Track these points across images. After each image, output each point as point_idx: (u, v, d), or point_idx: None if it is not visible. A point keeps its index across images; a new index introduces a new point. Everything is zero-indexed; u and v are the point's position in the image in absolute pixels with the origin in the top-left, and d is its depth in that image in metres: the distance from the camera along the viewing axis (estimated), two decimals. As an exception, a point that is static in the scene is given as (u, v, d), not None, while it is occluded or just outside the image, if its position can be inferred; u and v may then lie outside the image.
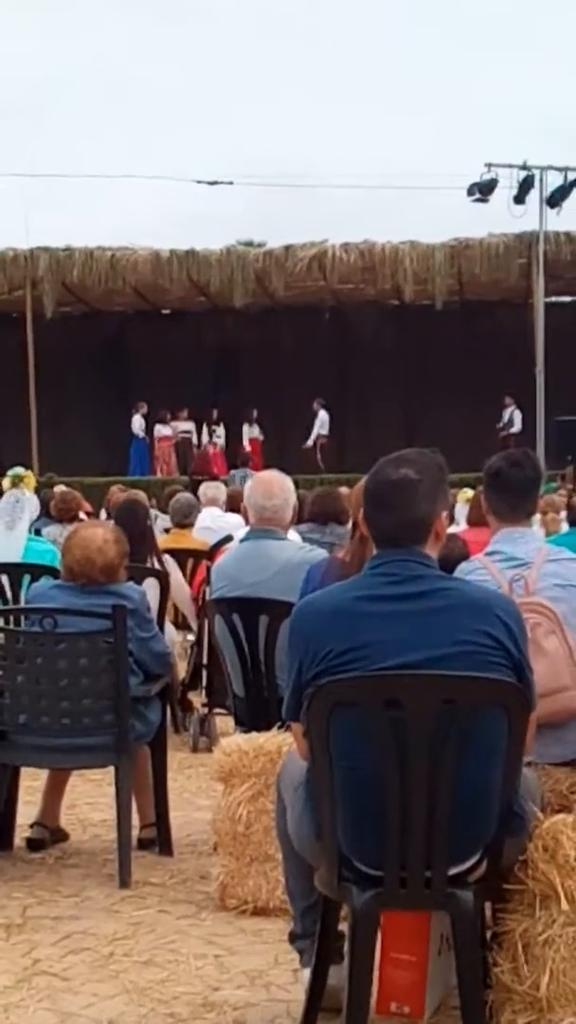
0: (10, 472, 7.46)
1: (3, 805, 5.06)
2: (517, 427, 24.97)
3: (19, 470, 7.46)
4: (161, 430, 26.09)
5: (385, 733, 2.97)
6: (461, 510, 9.56)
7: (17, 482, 7.29)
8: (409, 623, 3.02)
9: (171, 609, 7.66)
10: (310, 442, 25.64)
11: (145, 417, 26.05)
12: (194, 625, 7.84)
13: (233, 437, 26.17)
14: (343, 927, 3.27)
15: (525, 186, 23.36)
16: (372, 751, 2.99)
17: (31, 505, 7.47)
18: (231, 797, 4.41)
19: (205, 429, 26.29)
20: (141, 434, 26.08)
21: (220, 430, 26.19)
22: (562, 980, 3.06)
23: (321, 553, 5.13)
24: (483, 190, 23.36)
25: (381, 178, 66.18)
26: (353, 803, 3.04)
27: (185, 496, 9.82)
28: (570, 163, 23.50)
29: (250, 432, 26.34)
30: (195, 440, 26.28)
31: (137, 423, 26.05)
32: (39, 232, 38.14)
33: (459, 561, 3.98)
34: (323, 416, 25.86)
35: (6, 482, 7.38)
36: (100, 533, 5.11)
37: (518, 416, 25.09)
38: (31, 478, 7.43)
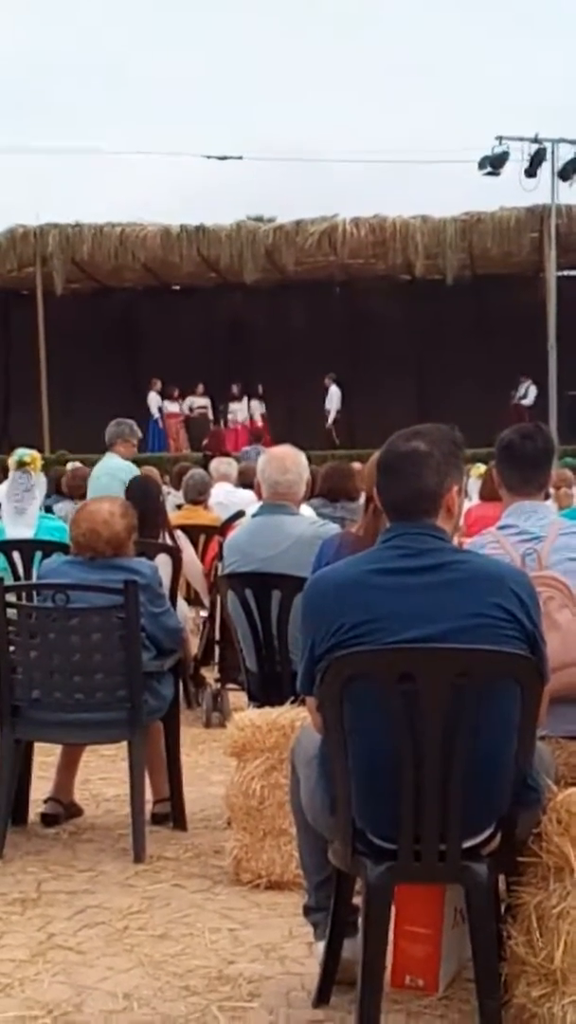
0: (15, 455, 7.34)
1: (17, 780, 5.07)
2: (530, 400, 24.91)
3: (24, 453, 7.33)
4: (169, 407, 26.07)
5: (399, 706, 2.96)
6: (473, 485, 9.54)
7: (23, 465, 7.18)
8: (422, 596, 3.02)
9: (184, 585, 7.67)
10: (330, 422, 25.60)
11: (160, 394, 26.03)
12: (206, 601, 7.86)
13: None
14: (357, 900, 3.27)
15: (536, 159, 23.24)
16: (386, 724, 2.98)
17: (41, 489, 7.41)
18: (244, 772, 4.42)
19: (219, 405, 26.31)
20: (156, 412, 26.06)
21: (233, 406, 26.18)
22: (576, 952, 3.06)
23: (334, 528, 5.13)
24: (494, 163, 23.25)
25: (391, 152, 65.93)
26: (367, 776, 3.03)
27: (199, 473, 9.81)
28: (581, 136, 23.42)
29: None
30: (211, 415, 26.28)
31: (153, 400, 26.02)
32: (48, 208, 38.09)
33: None
34: (335, 391, 25.82)
35: (12, 464, 7.27)
36: (106, 506, 5.12)
37: (533, 390, 25.02)
38: (37, 460, 7.30)
